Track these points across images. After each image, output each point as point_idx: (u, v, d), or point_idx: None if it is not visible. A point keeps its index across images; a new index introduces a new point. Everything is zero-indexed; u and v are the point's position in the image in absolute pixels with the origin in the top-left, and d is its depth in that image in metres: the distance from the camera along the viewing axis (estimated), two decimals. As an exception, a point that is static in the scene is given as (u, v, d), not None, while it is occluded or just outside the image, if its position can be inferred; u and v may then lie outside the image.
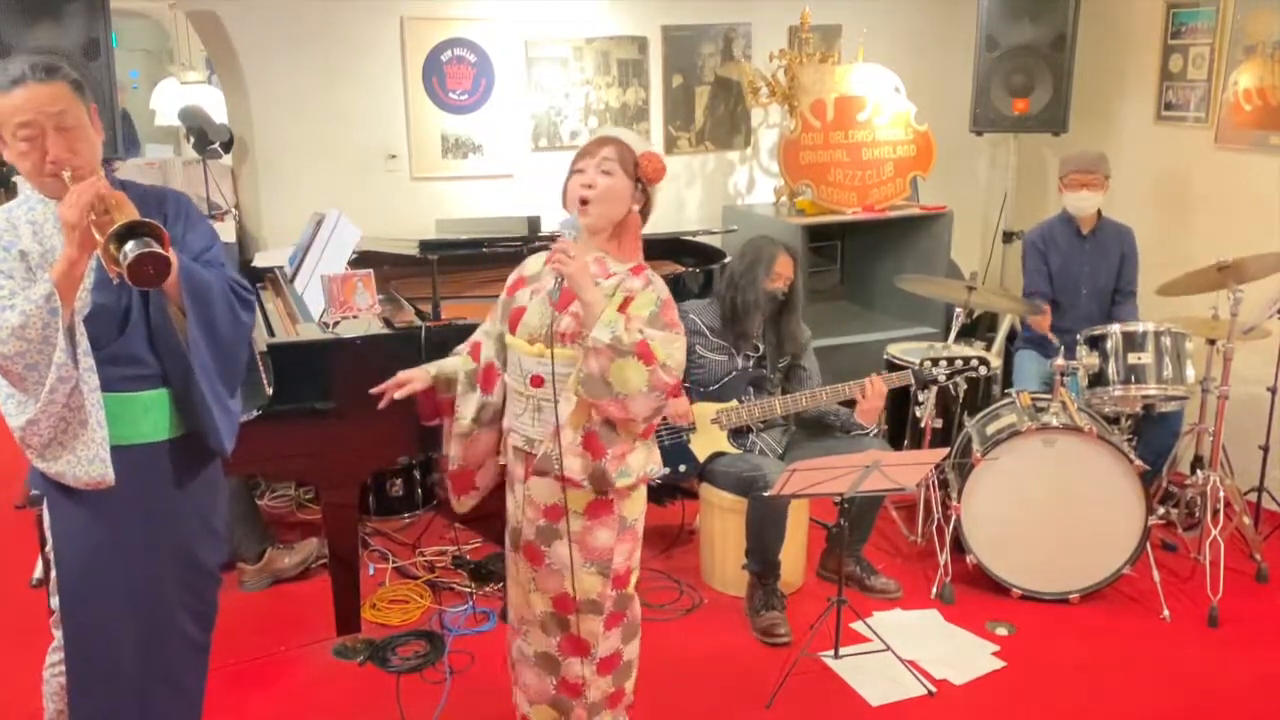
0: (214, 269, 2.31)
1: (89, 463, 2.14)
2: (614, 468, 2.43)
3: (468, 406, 2.62)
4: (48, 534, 2.28)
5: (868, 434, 3.79)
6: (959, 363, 3.72)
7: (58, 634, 2.39)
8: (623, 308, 2.40)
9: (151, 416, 2.26)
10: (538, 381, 2.46)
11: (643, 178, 2.49)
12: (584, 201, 2.45)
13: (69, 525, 2.25)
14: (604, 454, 2.42)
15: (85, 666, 2.29)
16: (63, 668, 2.37)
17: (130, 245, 2.00)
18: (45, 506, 2.26)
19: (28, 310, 2.06)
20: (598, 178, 2.45)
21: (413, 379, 2.60)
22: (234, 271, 2.41)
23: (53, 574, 2.32)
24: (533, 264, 2.64)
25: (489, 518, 2.71)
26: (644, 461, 2.50)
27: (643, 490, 2.57)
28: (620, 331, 2.34)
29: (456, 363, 2.66)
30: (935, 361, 3.72)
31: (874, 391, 3.62)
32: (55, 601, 2.35)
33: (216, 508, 2.45)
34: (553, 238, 2.47)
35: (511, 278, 2.65)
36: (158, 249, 2.01)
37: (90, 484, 2.16)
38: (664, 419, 3.71)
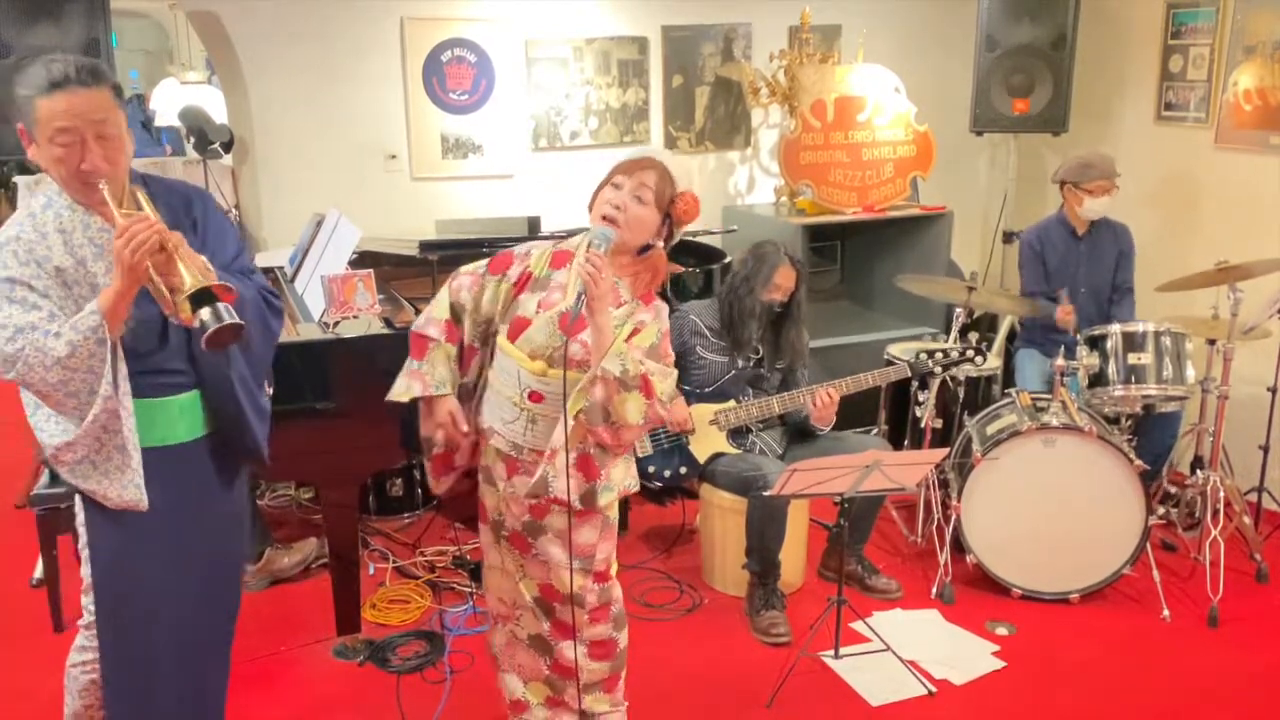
0: (244, 279, 2.26)
1: (123, 487, 2.13)
2: (600, 485, 2.46)
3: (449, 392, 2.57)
4: (80, 530, 2.27)
5: (826, 435, 3.78)
6: (954, 354, 3.73)
7: (85, 633, 2.38)
8: (629, 337, 2.40)
9: (186, 419, 2.26)
10: (537, 398, 2.44)
11: (673, 214, 2.46)
12: (607, 219, 2.39)
13: (103, 524, 2.22)
14: (597, 476, 2.45)
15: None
16: (90, 665, 2.36)
17: (208, 314, 1.98)
18: (78, 503, 2.24)
19: (75, 341, 2.01)
20: (630, 202, 2.40)
21: (457, 421, 2.51)
22: (261, 276, 2.38)
23: (84, 571, 2.30)
24: (537, 259, 2.53)
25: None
26: (623, 475, 2.53)
27: None
28: (628, 364, 2.33)
29: (445, 370, 2.54)
30: (930, 354, 3.72)
31: (823, 403, 3.61)
32: (86, 600, 2.33)
33: (244, 498, 2.47)
34: (570, 233, 2.41)
35: (514, 270, 2.53)
36: (236, 320, 1.99)
37: (124, 506, 2.14)
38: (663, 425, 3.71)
